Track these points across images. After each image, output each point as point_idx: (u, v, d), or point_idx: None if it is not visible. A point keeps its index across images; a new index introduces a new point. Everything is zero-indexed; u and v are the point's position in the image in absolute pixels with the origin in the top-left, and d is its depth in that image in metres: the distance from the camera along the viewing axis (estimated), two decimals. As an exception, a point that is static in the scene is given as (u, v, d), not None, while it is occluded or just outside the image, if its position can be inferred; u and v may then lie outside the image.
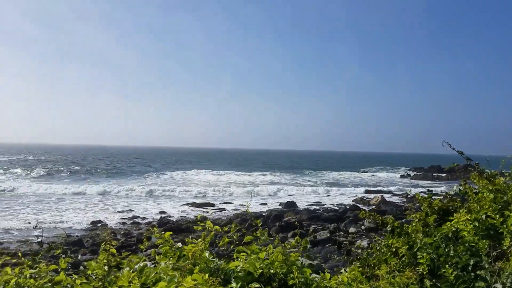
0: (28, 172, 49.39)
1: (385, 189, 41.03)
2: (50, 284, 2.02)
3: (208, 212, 25.77)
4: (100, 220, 21.24)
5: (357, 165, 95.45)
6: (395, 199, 32.88)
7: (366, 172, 71.10)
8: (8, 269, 2.08)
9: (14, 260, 2.53)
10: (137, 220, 22.16)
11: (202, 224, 2.51)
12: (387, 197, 33.32)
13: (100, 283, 2.02)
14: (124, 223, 21.33)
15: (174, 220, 22.16)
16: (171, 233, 2.33)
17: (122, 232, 18.82)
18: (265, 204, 29.22)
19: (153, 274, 1.93)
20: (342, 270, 3.28)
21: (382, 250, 3.20)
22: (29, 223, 19.25)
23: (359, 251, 4.33)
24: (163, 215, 23.65)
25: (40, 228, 18.06)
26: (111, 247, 2.48)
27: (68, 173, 51.32)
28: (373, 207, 27.07)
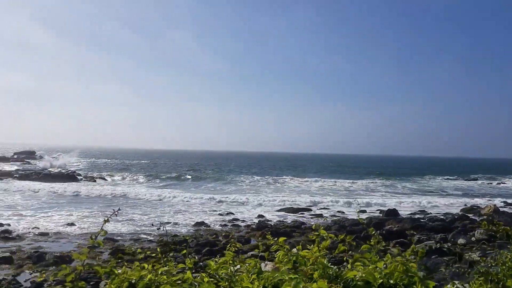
0: (141, 177, 53.42)
1: (498, 199, 37.67)
2: (180, 281, 2.17)
3: (304, 217, 25.76)
4: (203, 222, 22.28)
5: (456, 171, 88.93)
6: (509, 210, 30.02)
7: (476, 180, 65.71)
8: (145, 264, 2.29)
9: (140, 257, 2.73)
10: (236, 222, 22.89)
11: (317, 233, 2.50)
12: (500, 206, 30.54)
13: (226, 283, 2.13)
14: (225, 225, 22.17)
15: (272, 224, 22.51)
16: (285, 238, 2.37)
17: (224, 234, 19.55)
18: (364, 211, 28.43)
19: (274, 276, 1.99)
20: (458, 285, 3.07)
21: (508, 264, 2.94)
22: (152, 224, 21.09)
23: (478, 264, 4.02)
24: (261, 219, 24.15)
25: (162, 229, 19.65)
26: (235, 247, 2.59)
27: (175, 175, 54.65)
28: (484, 217, 24.95)
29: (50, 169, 55.23)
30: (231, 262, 2.30)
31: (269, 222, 23.05)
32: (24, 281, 12.17)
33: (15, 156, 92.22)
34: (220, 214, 25.45)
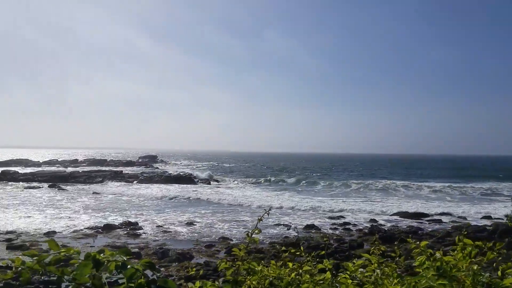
0: (252, 180, 55.05)
1: None
2: (322, 282, 2.20)
3: (421, 222, 24.34)
4: (313, 225, 22.24)
5: None
6: None
7: None
8: (290, 264, 2.36)
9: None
10: (348, 226, 22.45)
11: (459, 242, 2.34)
12: None
13: (372, 286, 2.10)
14: (335, 229, 21.88)
15: (386, 229, 21.65)
16: (427, 242, 2.26)
17: (335, 238, 19.30)
18: (489, 217, 26.00)
19: (420, 282, 1.91)
20: None
21: None
22: (283, 224, 21.87)
23: None
24: (373, 223, 23.38)
25: (296, 231, 20.35)
26: (380, 250, 2.55)
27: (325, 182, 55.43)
28: None
29: (170, 172, 59.49)
30: (376, 265, 2.25)
31: (382, 227, 22.21)
32: (152, 275, 13.25)
33: (140, 160, 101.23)
34: (331, 218, 25.17)
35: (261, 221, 2.55)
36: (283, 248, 3.46)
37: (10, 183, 46.10)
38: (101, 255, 1.53)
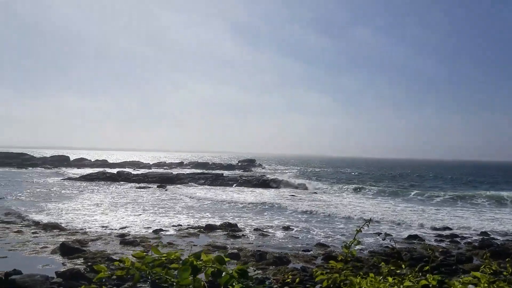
0: (352, 186, 53.84)
1: None
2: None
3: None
4: (416, 235, 21.06)
5: None
6: None
7: None
8: (390, 278, 2.27)
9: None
10: (456, 239, 20.88)
11: None
12: None
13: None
14: (441, 241, 20.49)
15: (499, 243, 19.74)
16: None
17: (440, 250, 18.07)
18: None
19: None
20: None
21: None
22: (383, 234, 21.23)
23: None
24: (485, 237, 21.47)
25: (392, 241, 19.70)
26: (491, 269, 2.34)
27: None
28: None
29: (268, 176, 60.49)
30: (486, 285, 2.05)
31: (495, 241, 20.29)
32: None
33: (239, 164, 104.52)
34: (435, 229, 23.62)
35: (361, 231, 2.47)
36: (382, 262, 3.30)
37: (123, 182, 50.42)
38: (199, 261, 1.60)
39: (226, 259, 1.69)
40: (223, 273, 1.55)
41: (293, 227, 22.52)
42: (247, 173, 74.26)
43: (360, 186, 52.16)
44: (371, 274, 2.30)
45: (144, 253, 1.73)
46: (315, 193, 44.40)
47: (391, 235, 21.03)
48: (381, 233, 21.30)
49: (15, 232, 19.05)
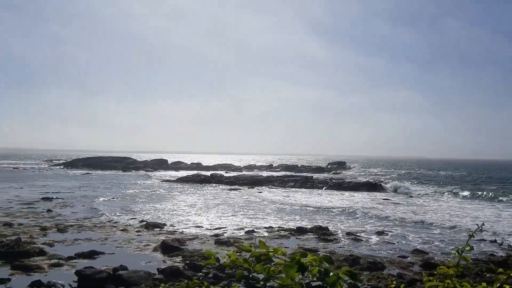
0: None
1: None
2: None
3: None
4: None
5: None
6: None
7: None
8: (507, 286, 2.09)
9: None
10: None
11: None
12: None
13: None
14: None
15: None
16: None
17: (558, 261, 16.21)
18: None
19: None
20: None
21: None
22: (495, 240, 19.75)
23: None
24: None
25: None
26: None
27: None
28: None
29: (359, 179, 59.01)
30: None
31: None
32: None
33: (329, 166, 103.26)
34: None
35: (473, 238, 2.29)
36: (500, 269, 3.03)
37: (215, 185, 52.33)
38: (305, 259, 1.59)
39: (330, 264, 1.66)
40: (331, 273, 1.52)
41: (387, 232, 21.67)
42: (337, 176, 73.07)
43: (457, 188, 48.73)
44: (484, 284, 2.12)
45: (250, 246, 1.77)
46: (411, 196, 42.34)
47: (509, 241, 19.31)
48: (485, 240, 19.67)
49: (121, 230, 20.64)
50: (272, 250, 1.70)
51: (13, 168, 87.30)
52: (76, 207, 28.82)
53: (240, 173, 76.52)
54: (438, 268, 2.32)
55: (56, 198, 33.77)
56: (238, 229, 21.67)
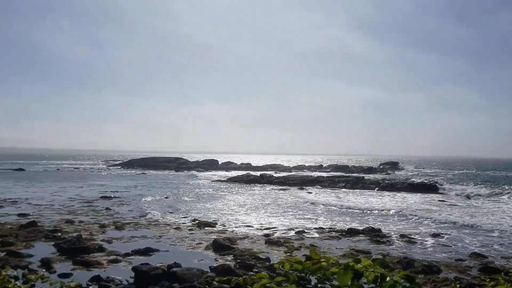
0: None
1: None
2: None
3: None
4: None
5: None
6: None
7: None
8: None
9: None
10: None
11: None
12: None
13: None
14: None
15: None
16: None
17: None
18: None
19: None
20: None
21: None
22: None
23: None
24: None
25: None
26: None
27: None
28: None
29: (413, 180, 57.21)
30: None
31: None
32: None
33: (381, 167, 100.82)
34: None
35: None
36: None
37: (265, 185, 52.54)
38: (359, 265, 1.61)
39: (385, 268, 1.67)
40: (387, 278, 1.53)
41: (443, 235, 20.91)
42: (389, 177, 71.22)
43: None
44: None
45: (302, 260, 1.80)
46: (467, 197, 40.54)
47: None
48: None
49: (174, 229, 21.25)
50: (324, 259, 1.72)
51: (74, 168, 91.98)
52: (132, 206, 29.97)
53: (290, 173, 76.40)
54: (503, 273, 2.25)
55: (114, 197, 35.28)
56: (288, 230, 21.68)
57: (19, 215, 24.64)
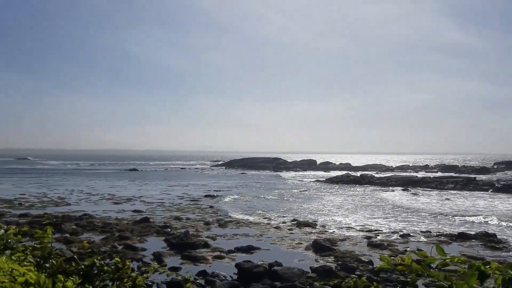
0: None
1: None
2: None
3: None
4: None
5: None
6: None
7: None
8: None
9: None
10: None
11: None
12: None
13: None
14: None
15: None
16: None
17: None
18: None
19: None
20: None
21: None
22: None
23: None
24: None
25: None
26: None
27: None
28: None
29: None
30: None
31: None
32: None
33: (495, 167, 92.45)
34: None
35: None
36: None
37: (366, 185, 51.00)
38: (487, 267, 1.47)
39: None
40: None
41: None
42: (505, 177, 64.92)
43: None
44: None
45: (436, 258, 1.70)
46: None
47: None
48: None
49: (274, 228, 21.55)
50: (450, 257, 1.60)
51: (180, 168, 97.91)
52: (233, 204, 31.02)
53: (392, 173, 73.33)
54: None
55: (217, 195, 36.84)
56: (391, 232, 20.78)
57: (134, 211, 26.84)
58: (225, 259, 15.45)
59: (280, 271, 12.77)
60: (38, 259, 2.48)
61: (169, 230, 20.18)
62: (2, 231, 2.44)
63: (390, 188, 47.31)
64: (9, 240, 2.42)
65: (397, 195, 39.64)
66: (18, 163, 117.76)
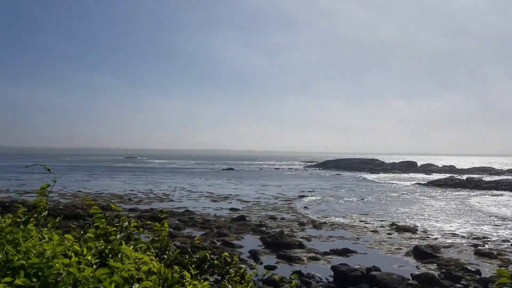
0: None
1: None
2: None
3: None
4: None
5: None
6: None
7: None
8: None
9: None
10: None
11: None
12: None
13: None
14: None
15: None
16: None
17: None
18: None
19: None
20: None
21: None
22: None
23: None
24: None
25: None
26: None
27: None
28: None
29: None
30: None
31: None
32: None
33: None
34: None
35: None
36: None
37: (472, 189, 47.22)
38: None
39: None
40: None
41: None
42: None
43: None
44: None
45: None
46: None
47: None
48: None
49: (371, 231, 20.89)
50: None
51: (274, 168, 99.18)
52: (327, 206, 30.66)
53: (503, 177, 67.14)
54: None
55: (311, 196, 36.70)
56: (502, 241, 19.06)
57: (231, 209, 27.77)
58: (320, 261, 15.34)
59: (378, 276, 12.35)
60: (156, 251, 2.72)
61: (264, 229, 20.56)
62: (126, 223, 2.71)
63: (500, 192, 43.35)
64: (132, 232, 2.69)
65: (508, 201, 36.18)
66: (128, 162, 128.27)
